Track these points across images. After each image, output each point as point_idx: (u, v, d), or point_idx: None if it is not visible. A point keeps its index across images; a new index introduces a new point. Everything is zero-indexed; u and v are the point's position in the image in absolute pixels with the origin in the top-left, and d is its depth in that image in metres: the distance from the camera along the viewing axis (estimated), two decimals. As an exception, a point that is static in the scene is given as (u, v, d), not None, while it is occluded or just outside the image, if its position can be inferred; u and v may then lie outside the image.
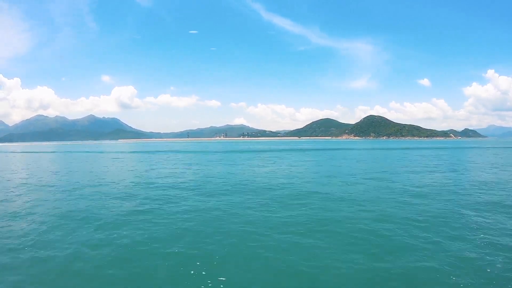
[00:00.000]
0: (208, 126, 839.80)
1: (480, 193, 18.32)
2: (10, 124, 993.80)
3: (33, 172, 34.17)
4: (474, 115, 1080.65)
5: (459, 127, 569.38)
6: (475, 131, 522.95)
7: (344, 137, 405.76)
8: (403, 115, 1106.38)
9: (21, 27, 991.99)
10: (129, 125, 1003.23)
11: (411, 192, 18.82)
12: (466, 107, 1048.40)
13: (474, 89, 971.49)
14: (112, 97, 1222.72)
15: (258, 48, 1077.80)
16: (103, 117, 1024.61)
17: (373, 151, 77.23)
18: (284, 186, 21.23)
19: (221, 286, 7.69)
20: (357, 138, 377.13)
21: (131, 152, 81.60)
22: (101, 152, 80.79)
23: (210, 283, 7.77)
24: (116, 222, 12.84)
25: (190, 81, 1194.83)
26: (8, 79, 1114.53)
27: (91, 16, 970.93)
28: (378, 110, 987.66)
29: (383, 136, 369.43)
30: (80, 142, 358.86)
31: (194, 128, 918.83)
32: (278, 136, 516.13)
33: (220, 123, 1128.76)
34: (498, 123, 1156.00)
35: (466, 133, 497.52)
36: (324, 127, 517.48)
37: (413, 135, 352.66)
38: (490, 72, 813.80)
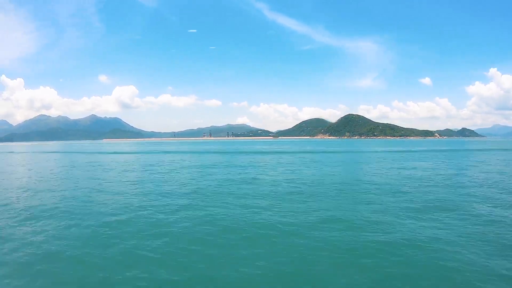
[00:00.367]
0: (209, 125, 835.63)
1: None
2: (14, 124, 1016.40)
3: (33, 172, 35.54)
4: (477, 114, 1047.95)
5: (464, 126, 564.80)
6: (473, 131, 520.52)
7: (319, 137, 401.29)
8: (406, 114, 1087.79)
9: (28, 28, 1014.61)
10: (130, 125, 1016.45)
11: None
12: (469, 106, 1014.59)
13: (477, 88, 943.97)
14: (113, 97, 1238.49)
15: (262, 48, 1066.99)
16: (105, 117, 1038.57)
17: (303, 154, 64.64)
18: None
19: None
20: (332, 137, 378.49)
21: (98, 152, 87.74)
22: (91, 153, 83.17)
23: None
24: (116, 222, 13.37)
25: (190, 81, 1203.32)
26: (12, 79, 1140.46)
27: (96, 16, 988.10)
28: (381, 109, 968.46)
29: (355, 136, 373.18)
30: (77, 141, 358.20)
31: (195, 127, 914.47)
32: (270, 136, 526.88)
33: (221, 122, 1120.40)
34: (503, 122, 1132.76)
35: (463, 132, 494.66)
36: (312, 127, 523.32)
37: (386, 135, 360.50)
38: (493, 71, 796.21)
